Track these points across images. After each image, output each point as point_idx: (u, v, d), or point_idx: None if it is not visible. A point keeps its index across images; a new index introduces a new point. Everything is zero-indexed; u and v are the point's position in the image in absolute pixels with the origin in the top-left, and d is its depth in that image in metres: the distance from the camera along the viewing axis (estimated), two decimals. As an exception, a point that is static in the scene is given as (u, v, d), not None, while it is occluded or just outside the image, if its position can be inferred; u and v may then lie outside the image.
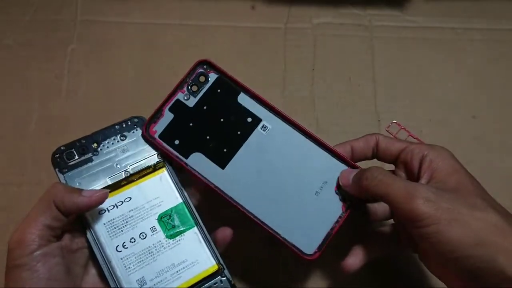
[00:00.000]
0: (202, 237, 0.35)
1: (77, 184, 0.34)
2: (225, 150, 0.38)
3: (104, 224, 0.34)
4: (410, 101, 0.52)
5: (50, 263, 0.29)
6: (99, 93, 0.52)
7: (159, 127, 0.38)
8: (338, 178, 0.37)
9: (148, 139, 0.38)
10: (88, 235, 0.34)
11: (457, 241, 0.28)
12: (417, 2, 0.57)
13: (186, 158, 0.37)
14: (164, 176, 0.36)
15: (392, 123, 0.51)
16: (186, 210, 0.35)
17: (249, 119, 0.39)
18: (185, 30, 0.55)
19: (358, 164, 0.38)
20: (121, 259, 0.32)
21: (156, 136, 0.38)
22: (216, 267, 0.34)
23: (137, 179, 0.35)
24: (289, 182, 0.38)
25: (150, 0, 0.57)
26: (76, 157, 0.35)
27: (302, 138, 0.39)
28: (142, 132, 0.38)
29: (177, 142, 0.38)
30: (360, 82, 0.53)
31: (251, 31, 0.56)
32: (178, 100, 0.39)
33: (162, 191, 0.35)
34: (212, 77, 0.40)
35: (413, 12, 0.57)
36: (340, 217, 0.37)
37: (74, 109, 0.52)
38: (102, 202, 0.33)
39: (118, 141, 0.36)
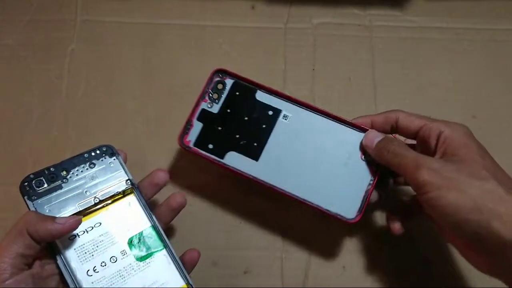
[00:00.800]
0: (171, 259, 0.36)
1: (47, 211, 0.34)
2: (255, 144, 0.42)
3: (75, 249, 0.35)
4: (410, 101, 0.52)
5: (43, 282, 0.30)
6: (99, 93, 0.52)
7: (191, 136, 0.43)
8: (362, 141, 0.41)
9: (184, 149, 0.42)
10: (59, 261, 0.34)
11: (455, 206, 0.31)
12: (417, 2, 0.57)
13: (222, 158, 0.42)
14: (132, 201, 0.37)
15: (392, 123, 0.51)
16: (154, 233, 0.36)
17: (270, 112, 0.43)
18: (185, 30, 0.55)
19: None
20: (92, 283, 0.33)
21: (191, 145, 0.42)
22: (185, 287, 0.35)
23: (106, 205, 0.36)
24: (319, 159, 0.42)
25: (150, 0, 0.57)
26: (45, 185, 0.36)
27: (320, 118, 0.43)
28: (179, 143, 0.41)
29: (211, 146, 0.42)
30: (360, 82, 0.53)
31: (251, 31, 0.56)
32: (203, 110, 0.44)
33: (131, 215, 0.37)
34: (229, 82, 0.44)
35: (413, 12, 0.57)
36: (371, 180, 0.41)
37: (74, 109, 0.52)
38: (75, 228, 0.33)
39: (87, 169, 0.37)
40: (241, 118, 0.43)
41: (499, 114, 0.52)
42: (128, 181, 0.38)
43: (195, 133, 0.43)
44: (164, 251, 0.36)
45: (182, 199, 0.39)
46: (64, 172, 0.37)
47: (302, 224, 0.47)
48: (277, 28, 0.56)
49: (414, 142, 0.40)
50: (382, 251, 0.46)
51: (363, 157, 0.42)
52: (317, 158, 0.42)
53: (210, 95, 0.44)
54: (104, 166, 0.38)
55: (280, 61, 0.54)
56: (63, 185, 0.36)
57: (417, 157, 0.34)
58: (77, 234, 0.35)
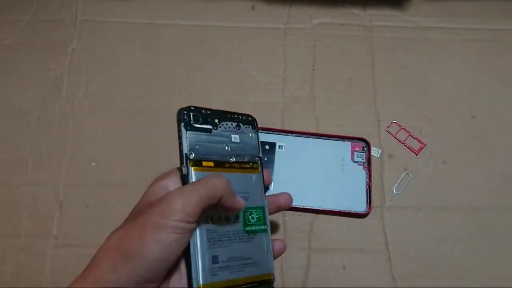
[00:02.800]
0: (267, 244, 0.37)
1: (194, 146, 0.34)
2: None
3: None
4: (410, 101, 0.52)
5: (187, 240, 0.30)
6: (99, 93, 0.52)
7: None
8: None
9: None
10: None
11: None
12: (417, 2, 0.57)
13: None
14: (256, 177, 0.38)
15: (392, 123, 0.51)
16: (264, 214, 0.37)
17: (267, 147, 0.49)
18: (185, 30, 0.55)
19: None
20: (207, 230, 0.33)
21: None
22: (270, 276, 0.36)
23: (236, 168, 0.36)
24: (319, 172, 0.49)
25: (150, 0, 0.57)
26: (200, 121, 0.35)
27: (308, 139, 0.50)
28: None
29: None
30: (360, 82, 0.53)
31: (251, 31, 0.56)
32: None
33: (251, 188, 0.37)
34: None
35: (413, 12, 0.57)
36: (366, 174, 0.48)
37: (74, 109, 0.52)
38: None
39: (233, 128, 0.37)
40: None
41: (499, 114, 0.52)
42: (258, 158, 0.38)
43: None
44: (264, 234, 0.37)
45: (289, 203, 0.39)
46: (216, 120, 0.36)
47: (302, 224, 0.47)
48: (277, 28, 0.56)
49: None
50: (382, 251, 0.46)
51: (353, 158, 0.49)
52: (318, 172, 0.49)
53: None
54: (246, 134, 0.38)
55: (280, 61, 0.54)
56: (213, 130, 0.36)
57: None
58: None
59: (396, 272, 0.46)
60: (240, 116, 0.38)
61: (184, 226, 0.29)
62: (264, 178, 0.38)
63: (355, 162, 0.49)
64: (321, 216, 0.48)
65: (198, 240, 0.32)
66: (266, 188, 0.39)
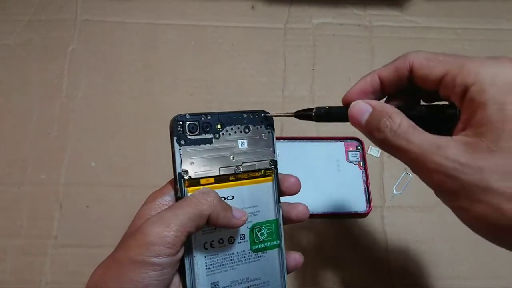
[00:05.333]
0: (280, 260, 0.33)
1: (190, 163, 0.30)
2: None
3: None
4: (410, 101, 0.52)
5: (171, 273, 0.27)
6: (99, 93, 0.52)
7: None
8: (349, 115, 0.29)
9: None
10: None
11: (485, 221, 0.23)
12: (417, 2, 0.57)
13: None
14: (269, 187, 0.33)
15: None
16: (275, 227, 0.33)
17: None
18: (185, 30, 0.55)
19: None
20: (205, 257, 0.30)
21: None
22: None
23: (244, 179, 0.32)
24: (317, 177, 0.48)
25: (150, 0, 0.57)
26: (197, 132, 0.30)
27: (301, 143, 0.49)
28: None
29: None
30: (360, 82, 0.53)
31: (251, 31, 0.56)
32: None
33: (262, 200, 0.32)
34: None
35: (413, 12, 0.57)
36: (363, 174, 0.48)
37: (74, 109, 0.52)
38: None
39: (241, 132, 0.32)
40: None
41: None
42: (272, 162, 0.33)
43: None
44: (277, 250, 0.33)
45: (303, 218, 0.34)
46: (219, 126, 0.31)
47: (302, 224, 0.47)
48: (277, 28, 0.56)
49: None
50: (382, 251, 0.46)
51: (348, 159, 0.49)
52: (314, 176, 0.48)
53: None
54: (257, 135, 0.33)
55: (280, 61, 0.54)
56: (214, 140, 0.31)
57: (427, 143, 0.23)
58: None
59: (396, 272, 0.46)
60: (250, 115, 0.33)
61: (164, 261, 0.25)
62: (286, 186, 0.33)
63: (350, 162, 0.49)
64: (321, 219, 0.48)
65: (194, 267, 0.29)
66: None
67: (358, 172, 0.49)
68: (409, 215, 0.48)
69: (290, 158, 0.49)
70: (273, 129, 0.33)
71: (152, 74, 0.53)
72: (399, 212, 0.48)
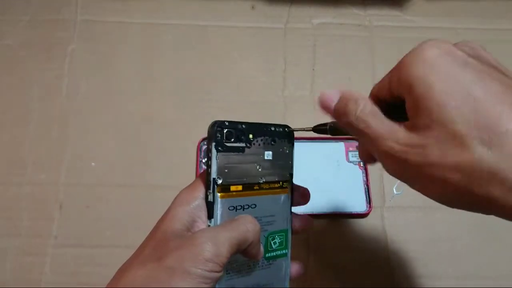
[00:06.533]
0: (285, 269, 0.34)
1: (224, 169, 0.30)
2: None
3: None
4: (410, 101, 0.52)
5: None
6: (99, 93, 0.52)
7: None
8: (319, 101, 0.31)
9: None
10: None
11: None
12: (417, 2, 0.57)
13: None
14: (285, 198, 0.34)
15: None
16: (286, 237, 0.34)
17: None
18: (185, 30, 0.55)
19: None
20: (229, 262, 0.30)
21: None
22: None
23: (265, 189, 0.33)
24: (317, 178, 0.48)
25: (150, 0, 0.57)
26: (233, 140, 0.31)
27: (301, 144, 0.49)
28: None
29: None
30: (360, 82, 0.53)
31: (251, 31, 0.56)
32: None
33: (278, 210, 0.34)
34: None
35: (413, 12, 0.57)
36: (363, 174, 0.48)
37: (74, 109, 0.52)
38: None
39: (267, 144, 0.33)
40: None
41: (499, 114, 0.52)
42: (290, 175, 0.34)
43: None
44: (285, 258, 0.34)
45: (306, 228, 0.36)
46: (251, 136, 0.32)
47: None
48: (277, 28, 0.56)
49: None
50: (382, 251, 0.46)
51: (348, 159, 0.49)
52: (314, 177, 0.48)
53: (205, 160, 0.45)
54: (280, 148, 0.34)
55: (280, 61, 0.54)
56: (246, 149, 0.31)
57: (382, 127, 0.25)
58: (235, 207, 0.31)
59: (396, 272, 0.46)
60: (276, 128, 0.34)
61: (213, 276, 0.26)
62: (297, 197, 0.35)
63: (350, 162, 0.49)
64: (321, 219, 0.48)
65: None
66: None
67: (358, 172, 0.49)
68: (409, 215, 0.48)
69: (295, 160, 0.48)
70: (293, 144, 0.35)
71: (152, 74, 0.53)
72: (399, 212, 0.48)
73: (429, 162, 0.22)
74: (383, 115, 0.26)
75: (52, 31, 0.55)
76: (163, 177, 0.48)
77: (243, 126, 0.31)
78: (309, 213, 0.46)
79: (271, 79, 0.53)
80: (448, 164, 0.22)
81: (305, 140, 0.49)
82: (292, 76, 0.54)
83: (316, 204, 0.47)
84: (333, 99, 0.29)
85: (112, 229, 0.46)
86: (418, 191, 0.25)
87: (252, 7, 0.57)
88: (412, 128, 0.23)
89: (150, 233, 0.30)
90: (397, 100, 0.26)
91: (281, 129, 0.34)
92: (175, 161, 0.49)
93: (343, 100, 0.28)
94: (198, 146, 0.48)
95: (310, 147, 0.49)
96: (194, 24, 0.56)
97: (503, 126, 0.20)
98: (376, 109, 0.26)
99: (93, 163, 0.49)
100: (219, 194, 0.30)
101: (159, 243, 0.28)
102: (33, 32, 0.55)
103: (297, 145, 0.47)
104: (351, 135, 0.31)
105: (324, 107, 0.30)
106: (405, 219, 0.48)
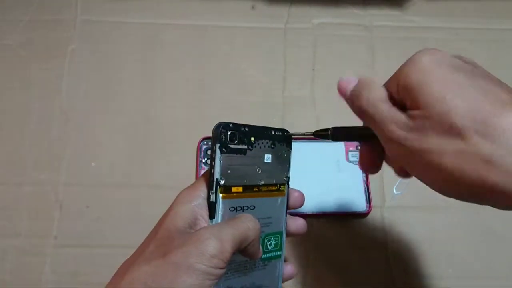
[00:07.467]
0: (279, 271, 0.35)
1: (226, 171, 0.31)
2: None
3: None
4: (410, 101, 0.52)
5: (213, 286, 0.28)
6: (99, 93, 0.52)
7: None
8: (338, 85, 0.32)
9: None
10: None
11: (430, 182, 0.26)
12: (417, 2, 0.57)
13: None
14: (282, 201, 0.35)
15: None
16: (281, 239, 0.35)
17: None
18: (185, 30, 0.55)
19: None
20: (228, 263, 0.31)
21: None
22: None
23: (264, 191, 0.34)
24: (317, 177, 0.48)
25: (150, 0, 0.57)
26: (236, 141, 0.31)
27: (301, 144, 0.48)
28: None
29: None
30: (360, 82, 0.53)
31: (251, 31, 0.56)
32: None
33: (274, 212, 0.35)
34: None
35: (413, 12, 0.57)
36: (363, 174, 0.48)
37: (74, 109, 0.52)
38: None
39: (267, 147, 0.34)
40: None
41: (499, 114, 0.52)
42: (287, 178, 0.35)
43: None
44: (279, 260, 0.35)
45: (301, 232, 0.36)
46: (253, 138, 0.32)
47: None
48: (277, 28, 0.56)
49: None
50: (382, 251, 0.46)
51: (348, 159, 0.48)
52: (314, 177, 0.48)
53: (205, 160, 0.48)
54: (279, 152, 0.35)
55: (280, 61, 0.54)
56: (247, 151, 0.32)
57: (388, 113, 0.27)
58: (235, 208, 0.32)
59: (396, 272, 0.46)
60: (276, 132, 0.34)
61: (217, 272, 0.27)
62: (292, 201, 0.35)
63: (350, 162, 0.49)
64: (321, 219, 0.48)
65: None
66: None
67: (358, 172, 0.48)
68: (409, 215, 0.48)
69: (294, 160, 0.48)
70: (291, 148, 0.36)
71: (152, 74, 0.53)
72: (399, 212, 0.48)
73: (427, 149, 0.24)
74: (390, 103, 0.28)
75: (52, 31, 0.55)
76: (163, 177, 0.48)
77: (246, 128, 0.32)
78: (309, 212, 0.46)
79: (271, 79, 0.53)
80: (444, 151, 0.23)
81: (305, 140, 0.49)
82: (292, 76, 0.54)
83: (316, 203, 0.46)
84: (351, 82, 0.31)
85: (112, 229, 0.46)
86: (417, 177, 0.26)
87: (252, 7, 0.57)
88: (413, 116, 0.25)
89: (153, 230, 0.30)
90: (399, 103, 0.28)
91: (280, 133, 0.35)
92: (175, 161, 0.49)
93: (360, 84, 0.30)
94: (198, 146, 0.48)
95: (310, 146, 0.49)
96: (194, 24, 0.56)
97: (496, 117, 0.22)
98: (385, 96, 0.28)
99: (93, 163, 0.49)
100: (221, 195, 0.30)
101: (163, 240, 0.28)
102: (33, 32, 0.55)
103: (297, 145, 0.46)
104: (352, 141, 0.32)
105: (341, 91, 0.31)
106: (405, 219, 0.48)
